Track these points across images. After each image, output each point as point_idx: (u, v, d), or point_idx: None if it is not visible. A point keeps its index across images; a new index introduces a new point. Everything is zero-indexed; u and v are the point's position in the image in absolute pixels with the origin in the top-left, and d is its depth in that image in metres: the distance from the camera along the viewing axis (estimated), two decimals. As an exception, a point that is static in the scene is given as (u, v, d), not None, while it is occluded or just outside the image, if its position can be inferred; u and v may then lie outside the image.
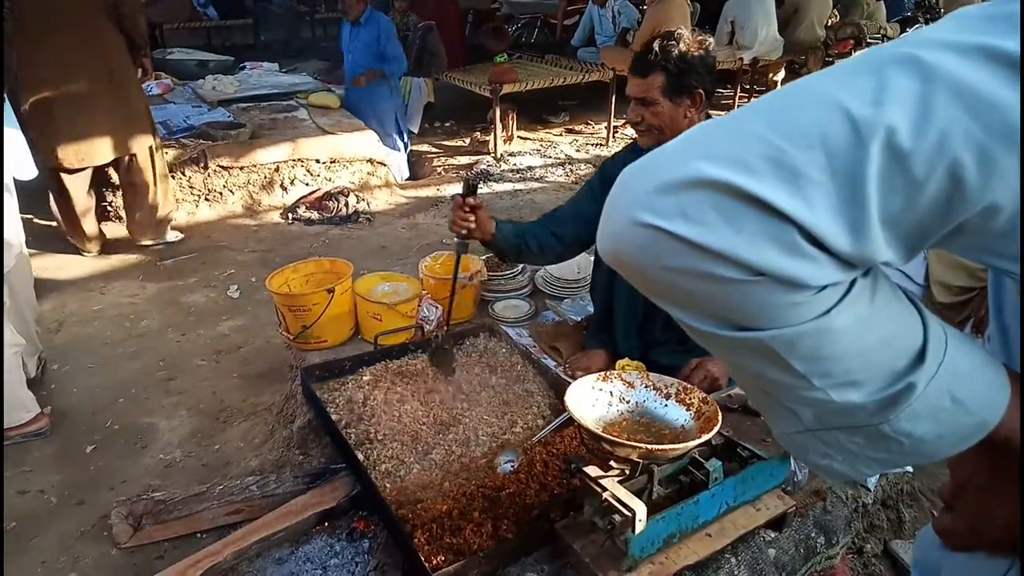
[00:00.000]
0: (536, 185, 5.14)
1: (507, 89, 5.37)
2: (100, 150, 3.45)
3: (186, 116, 4.62)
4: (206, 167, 4.14)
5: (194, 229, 4.10)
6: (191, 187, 4.16)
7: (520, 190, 5.05)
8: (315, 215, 4.32)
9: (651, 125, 1.88)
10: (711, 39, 1.91)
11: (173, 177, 4.06)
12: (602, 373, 1.62)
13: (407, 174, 5.25)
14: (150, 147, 3.65)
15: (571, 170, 5.43)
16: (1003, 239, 0.55)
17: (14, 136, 2.90)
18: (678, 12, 5.93)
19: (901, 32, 6.96)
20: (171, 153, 4.05)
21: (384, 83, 5.01)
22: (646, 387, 1.61)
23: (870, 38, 6.60)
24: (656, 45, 1.82)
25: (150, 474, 2.33)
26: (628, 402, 1.59)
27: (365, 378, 2.18)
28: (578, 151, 5.92)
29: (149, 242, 3.85)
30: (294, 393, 2.45)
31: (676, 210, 0.56)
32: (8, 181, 2.39)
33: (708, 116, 1.96)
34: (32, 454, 2.39)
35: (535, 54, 6.80)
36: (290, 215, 4.32)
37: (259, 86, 5.32)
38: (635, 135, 2.06)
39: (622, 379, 1.62)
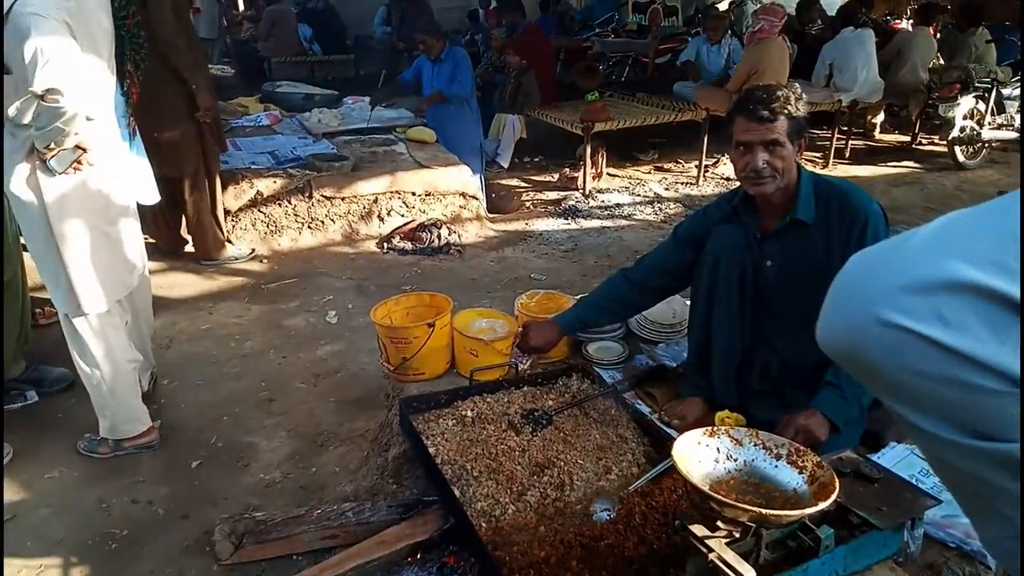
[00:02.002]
0: (624, 223, 5.14)
1: (599, 128, 5.42)
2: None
3: (293, 147, 4.87)
4: (310, 196, 4.33)
5: (296, 255, 4.29)
6: (295, 215, 4.35)
7: (608, 227, 5.05)
8: (409, 245, 4.44)
9: (775, 170, 1.88)
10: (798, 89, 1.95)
11: (279, 205, 4.27)
12: (708, 428, 1.59)
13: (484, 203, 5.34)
14: (188, 179, 3.84)
15: (660, 208, 5.40)
16: None
17: (143, 165, 3.12)
18: (777, 53, 5.86)
19: (1013, 76, 6.65)
20: (278, 182, 4.27)
21: (459, 108, 5.21)
22: (755, 445, 1.57)
23: (978, 82, 6.33)
24: (778, 92, 1.85)
25: (251, 493, 2.42)
26: (735, 460, 1.56)
27: (462, 412, 2.21)
28: (667, 190, 5.88)
29: (208, 262, 4.07)
30: (389, 422, 2.52)
31: (932, 313, 0.54)
32: (132, 206, 2.56)
33: (799, 165, 1.96)
34: (143, 465, 2.52)
35: (626, 92, 6.83)
36: (385, 245, 4.46)
37: (361, 120, 5.55)
38: (737, 182, 2.05)
39: (729, 435, 1.59)
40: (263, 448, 2.65)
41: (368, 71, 9.56)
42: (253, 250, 4.22)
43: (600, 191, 5.70)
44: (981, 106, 6.34)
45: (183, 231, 4.15)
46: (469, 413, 2.20)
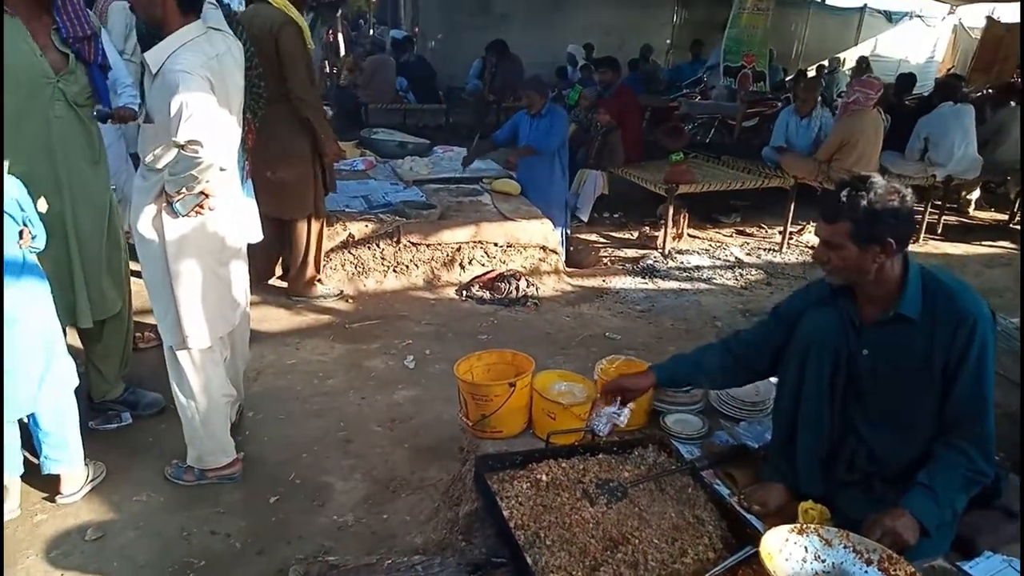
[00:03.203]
0: (703, 286, 5.09)
1: (683, 190, 5.42)
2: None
3: (385, 193, 5.05)
4: (398, 241, 4.48)
5: (380, 297, 4.42)
6: (383, 258, 4.50)
7: (686, 289, 5.01)
8: (487, 295, 4.52)
9: (836, 267, 1.86)
10: (908, 190, 1.85)
11: (368, 248, 4.43)
12: (797, 525, 1.56)
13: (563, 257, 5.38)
14: (299, 219, 4.02)
15: (740, 274, 5.33)
16: None
17: (251, 205, 3.31)
18: (871, 125, 5.78)
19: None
20: (369, 226, 4.43)
21: (548, 162, 5.27)
22: (845, 548, 1.53)
23: (1085, 162, 6.06)
24: (844, 194, 1.80)
25: (324, 534, 2.47)
26: (824, 561, 1.52)
27: (537, 476, 2.21)
28: (748, 255, 5.81)
29: (297, 297, 4.24)
30: (462, 476, 2.54)
31: None
32: (243, 248, 2.70)
33: (906, 258, 1.89)
34: (224, 496, 2.62)
35: (711, 154, 6.82)
36: (464, 292, 4.55)
37: (450, 169, 5.72)
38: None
39: (819, 534, 1.56)
40: (338, 489, 2.71)
41: (457, 120, 9.87)
42: (342, 291, 4.37)
43: (680, 252, 5.67)
44: (1086, 189, 6.05)
45: (278, 265, 4.35)
46: (544, 477, 2.20)
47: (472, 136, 8.78)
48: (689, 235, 6.12)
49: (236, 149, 2.57)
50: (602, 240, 6.11)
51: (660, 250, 5.60)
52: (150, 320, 2.80)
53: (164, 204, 2.29)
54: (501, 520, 2.04)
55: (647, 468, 2.31)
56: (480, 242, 4.68)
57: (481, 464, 2.27)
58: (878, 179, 1.83)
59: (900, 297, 1.87)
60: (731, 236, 6.32)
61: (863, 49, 14.32)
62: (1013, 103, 8.68)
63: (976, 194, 7.36)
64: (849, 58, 12.88)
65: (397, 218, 4.54)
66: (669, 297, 4.86)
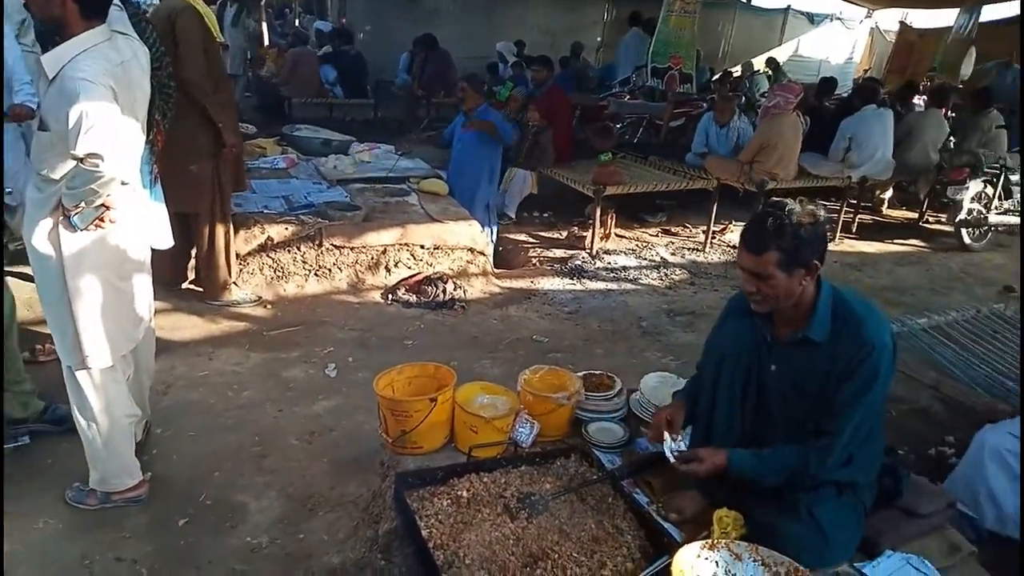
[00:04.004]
0: (630, 287, 5.14)
1: (610, 191, 5.46)
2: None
3: (307, 193, 4.91)
4: (320, 244, 4.35)
5: (300, 303, 4.29)
6: (304, 262, 4.37)
7: (613, 290, 5.06)
8: (413, 298, 4.45)
9: (766, 296, 1.88)
10: (822, 211, 1.91)
11: (288, 251, 4.29)
12: (708, 540, 1.57)
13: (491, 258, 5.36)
14: (203, 217, 3.87)
15: (665, 274, 5.41)
16: None
17: (160, 209, 3.14)
18: (790, 128, 5.96)
19: (1021, 162, 6.71)
20: (290, 229, 4.29)
21: (482, 163, 5.24)
22: (754, 561, 1.55)
23: (987, 167, 6.39)
24: (769, 223, 1.82)
25: (236, 557, 2.37)
26: (733, 576, 1.53)
27: (458, 492, 2.18)
28: (673, 254, 5.90)
29: (214, 302, 4.08)
30: (382, 492, 2.48)
31: None
32: (146, 260, 2.55)
33: (819, 279, 1.94)
34: (130, 520, 2.48)
35: (639, 154, 6.91)
36: (390, 296, 4.46)
37: (376, 168, 5.60)
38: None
39: (730, 549, 1.57)
40: (252, 508, 2.61)
41: (387, 115, 9.70)
42: (260, 297, 4.22)
43: (607, 252, 5.72)
44: (989, 190, 6.40)
45: (189, 267, 4.17)
46: (465, 493, 2.17)
47: (401, 131, 8.66)
48: (616, 235, 6.19)
49: (140, 158, 2.43)
50: (531, 240, 6.11)
51: (588, 250, 5.63)
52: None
53: (61, 217, 2.14)
54: (420, 540, 1.99)
55: (568, 479, 2.31)
56: (406, 244, 4.60)
57: (401, 482, 2.22)
58: (791, 203, 1.85)
59: (810, 320, 1.91)
60: (657, 236, 6.42)
61: (787, 49, 14.78)
62: (919, 102, 9.14)
63: (889, 194, 7.69)
64: (775, 56, 13.26)
65: (319, 220, 4.41)
66: (596, 298, 4.89)
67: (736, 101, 6.97)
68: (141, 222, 2.47)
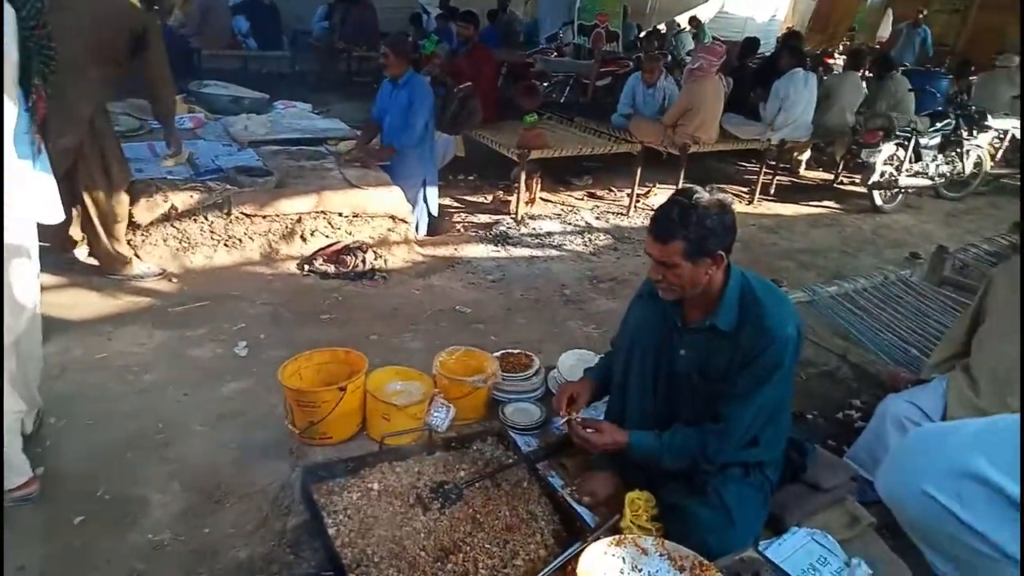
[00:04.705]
0: (554, 253, 5.12)
1: (535, 155, 5.38)
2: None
3: (215, 156, 4.63)
4: (229, 213, 4.13)
5: (209, 275, 4.08)
6: (212, 232, 4.14)
7: (537, 257, 5.02)
8: (331, 269, 4.29)
9: (672, 284, 1.89)
10: (730, 199, 1.92)
11: (195, 220, 4.06)
12: (616, 537, 1.57)
13: (425, 231, 5.23)
14: (87, 182, 3.63)
15: (590, 239, 5.40)
16: None
17: (47, 181, 2.89)
18: (712, 91, 5.98)
19: (931, 126, 6.95)
20: (195, 196, 4.04)
21: (414, 153, 4.95)
22: (660, 556, 1.56)
23: (899, 131, 6.60)
24: (675, 213, 1.80)
25: (137, 555, 2.25)
26: (640, 571, 1.53)
27: (368, 484, 2.12)
28: (598, 219, 5.90)
29: (114, 276, 3.86)
30: (291, 483, 2.39)
31: (955, 492, 0.78)
32: (28, 243, 2.34)
33: (728, 270, 1.93)
34: (20, 521, 2.32)
35: (565, 115, 6.82)
36: (306, 267, 4.30)
37: (290, 129, 5.33)
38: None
39: (636, 544, 1.57)
40: (154, 502, 2.47)
41: (305, 68, 9.27)
42: (164, 270, 3.99)
43: (532, 217, 5.66)
44: (901, 153, 6.62)
45: (73, 231, 3.90)
46: (376, 486, 2.12)
47: (320, 87, 8.30)
48: (542, 199, 6.13)
49: (16, 127, 2.20)
50: (456, 204, 5.99)
51: (513, 216, 5.56)
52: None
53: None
54: (327, 540, 1.93)
55: (484, 464, 2.28)
56: (323, 212, 4.42)
57: (308, 475, 2.14)
58: (700, 192, 1.85)
59: (717, 308, 1.92)
60: (582, 200, 6.39)
61: (713, 6, 14.81)
62: (838, 61, 9.34)
63: (807, 155, 7.86)
64: (699, 15, 13.28)
65: (228, 187, 4.17)
66: (521, 265, 4.84)
67: (663, 61, 6.94)
68: (20, 200, 2.25)
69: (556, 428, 2.40)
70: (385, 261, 4.49)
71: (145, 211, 3.97)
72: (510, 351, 2.75)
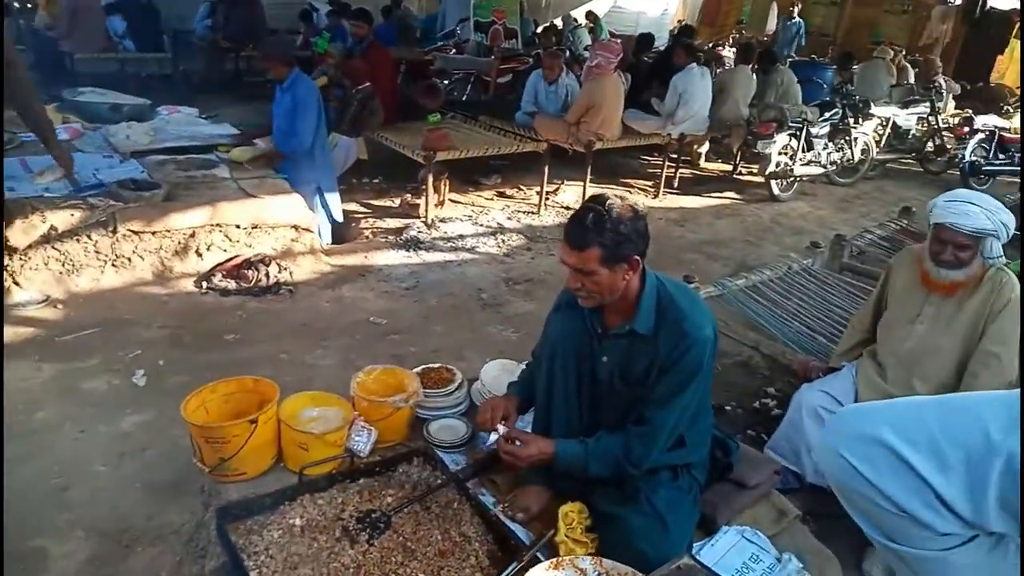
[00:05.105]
0: (468, 256, 5.05)
1: (441, 156, 5.28)
2: None
3: (96, 169, 4.29)
4: (115, 231, 3.82)
5: (97, 299, 3.77)
6: (97, 252, 3.82)
7: (451, 261, 4.94)
8: (232, 285, 4.06)
9: (590, 291, 1.89)
10: (641, 204, 1.93)
11: (77, 241, 3.74)
12: (554, 560, 1.53)
13: (329, 240, 5.06)
14: None
15: (503, 240, 5.36)
16: None
17: None
18: (612, 88, 6.06)
19: (820, 116, 7.29)
20: (77, 215, 3.72)
21: (305, 157, 4.76)
22: (598, 575, 1.53)
23: (791, 122, 6.89)
24: (589, 220, 1.80)
25: (36, 618, 2.05)
26: (582, 595, 1.50)
27: (289, 520, 2.00)
28: (509, 219, 5.87)
29: None
30: (206, 522, 2.24)
31: (864, 455, 0.93)
32: None
33: (644, 274, 1.95)
34: None
35: (468, 114, 6.76)
36: (204, 284, 4.05)
37: (177, 136, 5.01)
38: None
39: (575, 565, 1.54)
40: (55, 553, 2.25)
41: (189, 68, 8.78)
42: (48, 296, 3.66)
43: (443, 220, 5.57)
44: (794, 143, 6.92)
45: None
46: (298, 521, 2.00)
47: (207, 90, 7.89)
48: (452, 200, 6.04)
49: None
50: (363, 210, 5.82)
51: (423, 219, 5.45)
52: None
53: None
54: (248, 586, 1.81)
55: (411, 487, 2.19)
56: (219, 225, 4.16)
57: (223, 515, 2.00)
58: (612, 198, 1.87)
59: (635, 313, 1.92)
60: (492, 199, 6.35)
61: (607, 1, 15.07)
62: (728, 55, 9.69)
63: (706, 147, 8.10)
64: (594, 8, 13.47)
65: (112, 202, 3.86)
66: (434, 271, 4.74)
67: (563, 57, 6.97)
68: None
69: (485, 445, 2.34)
70: (290, 273, 4.29)
71: (21, 233, 3.63)
72: (431, 366, 2.67)
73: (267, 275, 4.15)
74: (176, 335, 3.57)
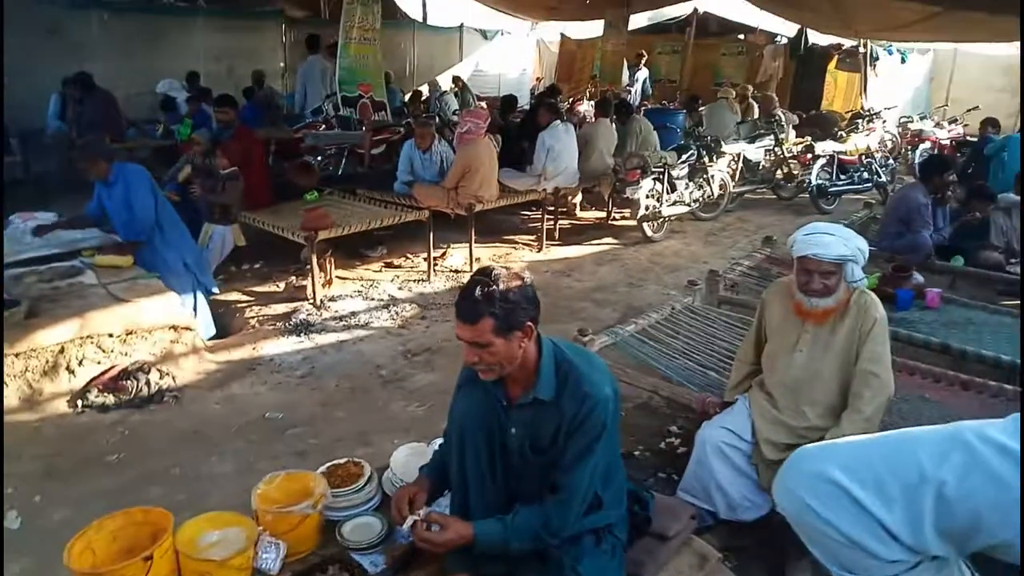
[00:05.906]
0: (362, 333, 4.95)
1: (323, 235, 5.20)
2: None
3: (-61, 294, 3.92)
4: (-31, 359, 3.50)
5: (-45, 436, 3.41)
6: (-49, 383, 3.48)
7: (346, 341, 4.82)
8: (110, 399, 3.79)
9: (489, 363, 1.90)
10: (527, 274, 1.98)
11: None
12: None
13: (212, 331, 4.84)
14: None
15: (396, 312, 5.30)
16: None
17: None
18: (485, 151, 6.23)
19: (678, 159, 7.76)
20: (-77, 347, 3.38)
21: (159, 232, 4.68)
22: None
23: (654, 167, 7.28)
24: (478, 292, 1.84)
25: None
26: None
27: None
28: (400, 289, 5.83)
29: None
30: None
31: (815, 493, 1.05)
32: None
33: (539, 339, 1.98)
34: None
35: (346, 188, 6.71)
36: (79, 402, 3.76)
37: (34, 246, 4.67)
38: None
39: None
40: None
41: (41, 170, 8.26)
42: None
43: (332, 299, 5.45)
44: (658, 187, 7.31)
45: None
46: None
47: (65, 192, 7.43)
48: (339, 278, 5.93)
49: None
50: (246, 298, 5.60)
51: (311, 300, 5.31)
52: None
53: None
54: None
55: (331, 599, 2.08)
56: (90, 336, 3.89)
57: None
58: (498, 268, 1.91)
59: (537, 380, 1.95)
60: (381, 271, 6.29)
61: (468, 65, 15.54)
62: (588, 109, 10.18)
63: (579, 197, 8.41)
64: (457, 73, 13.85)
65: (-37, 330, 3.54)
66: (329, 353, 4.62)
67: (434, 125, 7.09)
68: None
69: (401, 538, 2.27)
70: (173, 378, 4.05)
71: None
72: (336, 462, 2.57)
73: (148, 383, 3.90)
74: (52, 464, 3.28)
